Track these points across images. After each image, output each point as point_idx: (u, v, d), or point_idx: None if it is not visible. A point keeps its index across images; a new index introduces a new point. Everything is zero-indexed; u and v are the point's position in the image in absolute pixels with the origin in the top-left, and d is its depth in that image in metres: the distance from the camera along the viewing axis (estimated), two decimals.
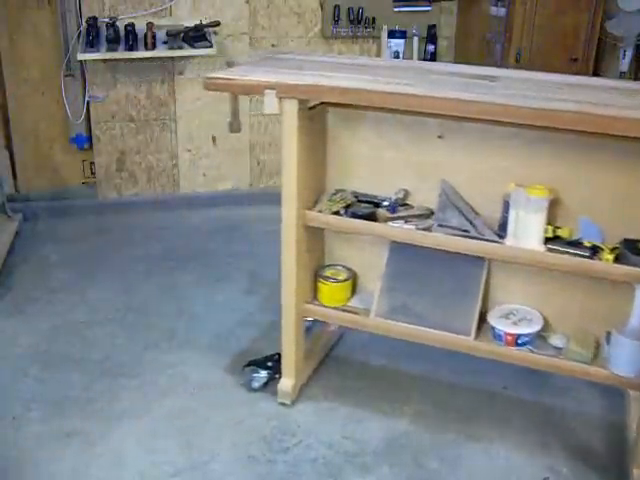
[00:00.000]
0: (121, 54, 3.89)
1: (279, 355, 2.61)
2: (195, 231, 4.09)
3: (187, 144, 4.35)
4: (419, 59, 4.38)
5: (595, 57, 3.96)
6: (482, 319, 2.38)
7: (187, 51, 3.96)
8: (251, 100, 4.33)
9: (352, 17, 4.23)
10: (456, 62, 4.39)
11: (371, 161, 2.48)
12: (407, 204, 2.43)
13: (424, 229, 2.31)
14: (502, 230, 2.24)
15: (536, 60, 3.82)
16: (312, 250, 2.54)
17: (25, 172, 4.26)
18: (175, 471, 2.28)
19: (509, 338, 2.30)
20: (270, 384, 2.64)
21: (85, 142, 4.23)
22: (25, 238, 3.88)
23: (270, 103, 2.22)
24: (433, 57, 4.39)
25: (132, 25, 3.86)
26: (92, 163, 4.31)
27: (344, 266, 2.61)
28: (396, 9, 4.27)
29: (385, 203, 2.41)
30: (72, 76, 4.08)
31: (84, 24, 3.90)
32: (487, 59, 3.96)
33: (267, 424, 2.49)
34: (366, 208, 2.41)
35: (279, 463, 2.32)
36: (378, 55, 4.34)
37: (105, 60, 3.98)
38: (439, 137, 2.35)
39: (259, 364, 2.68)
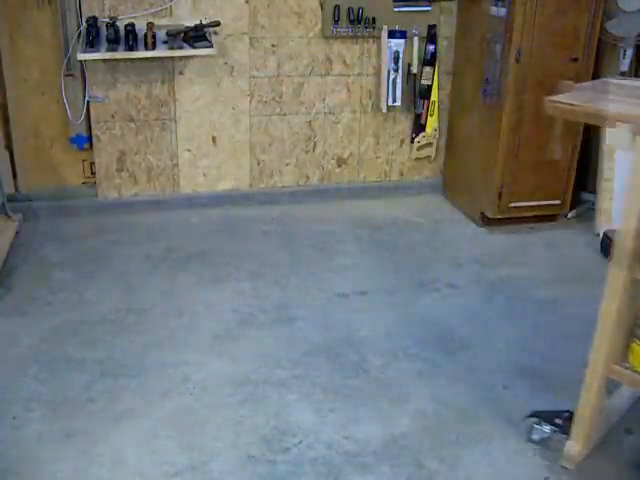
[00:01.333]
0: (121, 54, 3.88)
1: (569, 413, 2.39)
2: (195, 231, 4.09)
3: (187, 144, 4.35)
4: (419, 59, 4.39)
5: (595, 57, 3.96)
6: None
7: (187, 51, 3.96)
8: (251, 100, 4.33)
9: (352, 17, 4.22)
10: (456, 62, 4.40)
11: None
12: None
13: None
14: None
15: (536, 60, 3.82)
16: (630, 306, 2.26)
17: (25, 172, 4.25)
18: (175, 471, 2.28)
19: None
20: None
21: (85, 142, 4.22)
22: (25, 238, 3.88)
23: (622, 138, 2.01)
24: (433, 57, 4.40)
25: (132, 25, 3.85)
26: (92, 163, 4.31)
27: None
28: (396, 9, 4.27)
29: None
30: (72, 76, 4.07)
31: (84, 24, 3.89)
32: (487, 59, 3.96)
33: (267, 424, 2.49)
34: None
35: (279, 463, 2.32)
36: (378, 55, 4.35)
37: (105, 60, 3.98)
38: None
39: (545, 418, 2.46)
